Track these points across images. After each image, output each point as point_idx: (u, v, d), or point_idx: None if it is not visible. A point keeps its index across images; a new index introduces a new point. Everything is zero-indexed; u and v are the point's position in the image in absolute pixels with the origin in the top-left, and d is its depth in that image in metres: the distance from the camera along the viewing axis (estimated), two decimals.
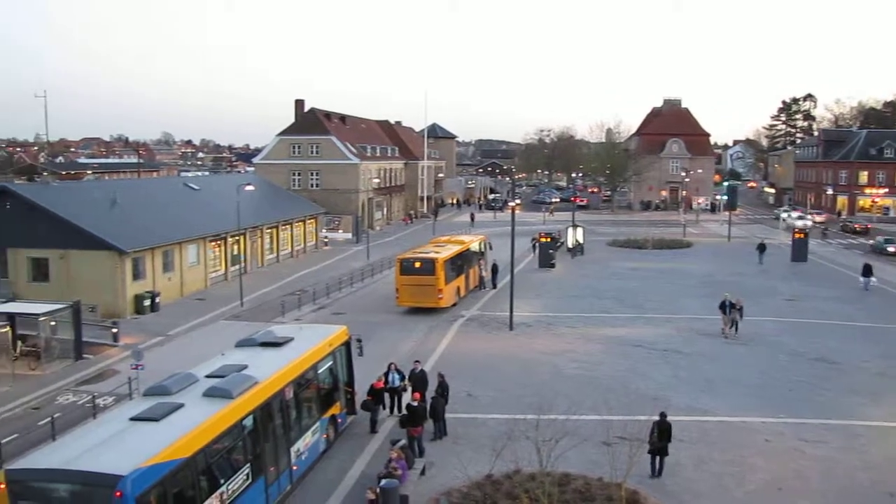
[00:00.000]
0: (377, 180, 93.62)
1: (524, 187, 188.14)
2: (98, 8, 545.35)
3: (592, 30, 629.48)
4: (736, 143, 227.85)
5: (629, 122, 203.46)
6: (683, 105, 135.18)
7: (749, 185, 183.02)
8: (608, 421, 23.19)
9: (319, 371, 24.56)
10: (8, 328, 33.76)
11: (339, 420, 25.80)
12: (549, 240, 63.48)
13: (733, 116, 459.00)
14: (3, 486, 15.29)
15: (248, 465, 19.08)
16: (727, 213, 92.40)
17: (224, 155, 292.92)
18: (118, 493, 14.50)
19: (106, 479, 14.71)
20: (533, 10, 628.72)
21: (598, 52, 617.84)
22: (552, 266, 61.65)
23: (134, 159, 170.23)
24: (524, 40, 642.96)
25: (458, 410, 26.95)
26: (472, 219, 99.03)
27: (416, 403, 24.24)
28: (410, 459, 21.98)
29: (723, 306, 39.63)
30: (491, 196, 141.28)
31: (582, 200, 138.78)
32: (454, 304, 46.50)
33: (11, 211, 45.94)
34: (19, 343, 35.36)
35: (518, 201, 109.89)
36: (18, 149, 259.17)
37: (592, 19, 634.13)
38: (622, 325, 42.09)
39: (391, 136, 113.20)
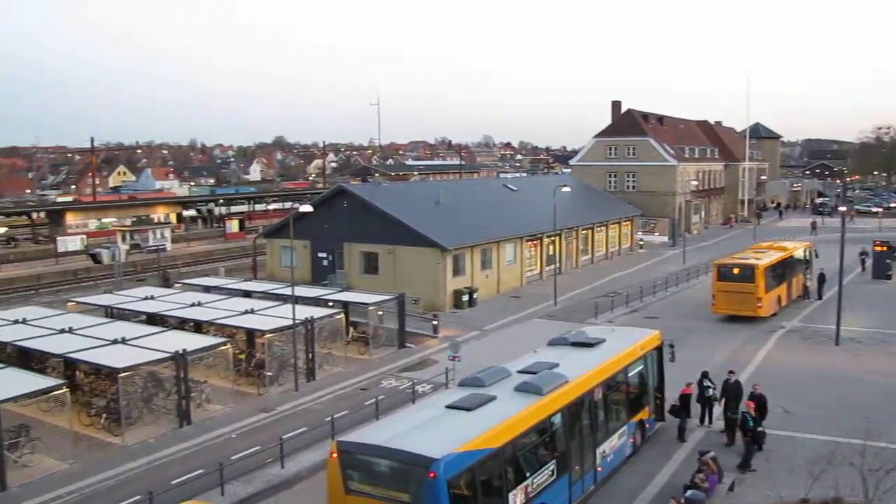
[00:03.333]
0: (695, 182, 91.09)
1: (856, 191, 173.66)
2: (419, 26, 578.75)
3: None
4: None
5: None
6: None
7: None
8: None
9: (629, 374, 24.47)
10: (342, 315, 36.99)
11: (647, 425, 25.53)
12: (885, 248, 58.26)
13: None
14: (335, 454, 17.17)
15: (554, 461, 19.48)
16: None
17: (541, 157, 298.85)
18: (431, 474, 15.59)
19: (421, 460, 15.88)
20: None
21: None
22: (888, 277, 56.49)
23: (456, 161, 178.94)
24: (858, 30, 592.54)
25: (773, 426, 25.53)
26: (814, 227, 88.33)
27: (745, 412, 23.41)
28: (721, 472, 21.24)
29: None
30: (818, 200, 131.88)
31: None
32: (774, 314, 44.15)
33: (348, 209, 50.54)
34: (351, 329, 38.72)
35: (879, 209, 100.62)
36: (355, 152, 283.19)
37: None
38: None
39: (710, 136, 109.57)
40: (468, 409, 18.37)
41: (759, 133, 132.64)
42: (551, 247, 59.19)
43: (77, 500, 22.31)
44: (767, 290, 43.12)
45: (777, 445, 24.46)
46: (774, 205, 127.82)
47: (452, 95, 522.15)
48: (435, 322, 41.43)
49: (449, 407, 18.67)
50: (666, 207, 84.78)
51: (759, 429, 23.41)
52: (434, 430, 17.38)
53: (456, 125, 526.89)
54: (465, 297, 47.90)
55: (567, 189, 56.38)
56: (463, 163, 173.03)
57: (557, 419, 19.91)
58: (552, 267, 56.70)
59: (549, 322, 43.61)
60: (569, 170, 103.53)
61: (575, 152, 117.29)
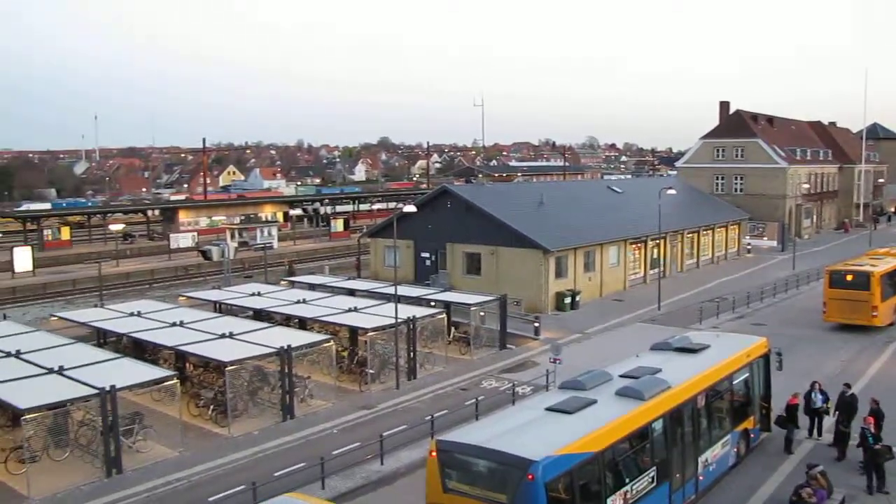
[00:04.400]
0: (807, 185, 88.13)
1: None
2: (525, 28, 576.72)
3: None
4: None
5: None
6: None
7: None
8: None
9: (734, 382, 23.86)
10: (444, 315, 37.19)
11: (752, 435, 24.87)
12: None
13: None
14: (434, 453, 17.34)
15: (654, 468, 19.17)
16: None
17: (646, 158, 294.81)
18: (530, 476, 15.55)
19: (520, 461, 15.85)
20: None
21: None
22: None
23: (560, 162, 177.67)
24: None
25: (890, 443, 24.47)
26: None
27: (865, 427, 22.58)
28: (830, 487, 20.46)
29: None
30: None
31: None
32: (891, 324, 42.29)
33: (451, 209, 50.82)
34: (453, 329, 38.90)
35: None
36: (459, 153, 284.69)
37: None
38: None
39: (823, 137, 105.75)
40: (568, 412, 18.25)
41: (877, 134, 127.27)
42: (655, 250, 58.18)
43: (186, 486, 23.09)
44: (884, 299, 41.32)
45: (893, 463, 23.42)
46: (894, 210, 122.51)
47: (557, 96, 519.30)
48: (536, 324, 41.23)
49: (549, 409, 18.59)
50: (776, 211, 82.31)
51: (878, 446, 22.38)
52: (533, 433, 17.33)
53: (560, 126, 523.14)
54: (568, 300, 47.56)
55: (672, 191, 55.32)
56: (567, 164, 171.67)
57: (659, 425, 19.58)
58: (656, 270, 55.74)
59: (652, 326, 42.90)
60: (674, 172, 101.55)
61: (681, 154, 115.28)
